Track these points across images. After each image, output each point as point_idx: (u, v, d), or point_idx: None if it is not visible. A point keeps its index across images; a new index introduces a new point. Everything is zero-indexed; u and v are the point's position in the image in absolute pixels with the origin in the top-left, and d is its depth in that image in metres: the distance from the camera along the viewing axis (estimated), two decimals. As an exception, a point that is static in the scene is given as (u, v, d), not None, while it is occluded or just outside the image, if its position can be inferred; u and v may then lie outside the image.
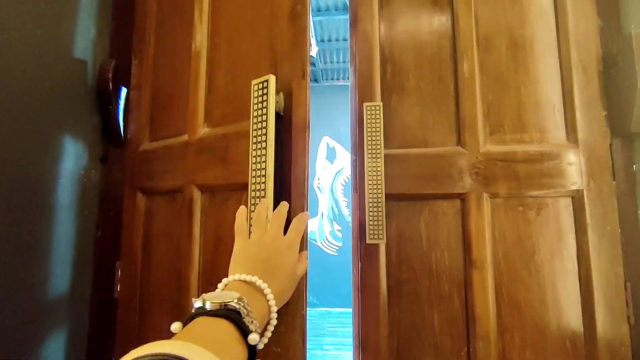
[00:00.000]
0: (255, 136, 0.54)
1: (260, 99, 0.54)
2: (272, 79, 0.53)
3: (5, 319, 0.62)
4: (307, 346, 0.51)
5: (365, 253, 0.81)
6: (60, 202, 0.74)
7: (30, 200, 0.68)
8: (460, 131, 0.79)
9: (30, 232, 0.68)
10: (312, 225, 4.11)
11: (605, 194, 0.72)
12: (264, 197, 0.52)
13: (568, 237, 0.73)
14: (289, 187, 0.54)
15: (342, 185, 4.19)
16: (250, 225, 0.50)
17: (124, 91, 0.88)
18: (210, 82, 0.72)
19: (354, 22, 0.88)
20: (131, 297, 0.81)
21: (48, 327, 0.71)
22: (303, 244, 0.51)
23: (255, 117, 0.54)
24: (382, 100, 0.83)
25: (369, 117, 0.81)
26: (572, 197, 0.73)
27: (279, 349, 0.49)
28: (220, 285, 0.40)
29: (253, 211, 0.51)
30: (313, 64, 3.86)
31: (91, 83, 0.84)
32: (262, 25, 0.62)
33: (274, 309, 0.38)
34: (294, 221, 0.51)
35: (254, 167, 0.54)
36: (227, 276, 0.42)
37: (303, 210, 0.53)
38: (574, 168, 0.73)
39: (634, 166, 0.71)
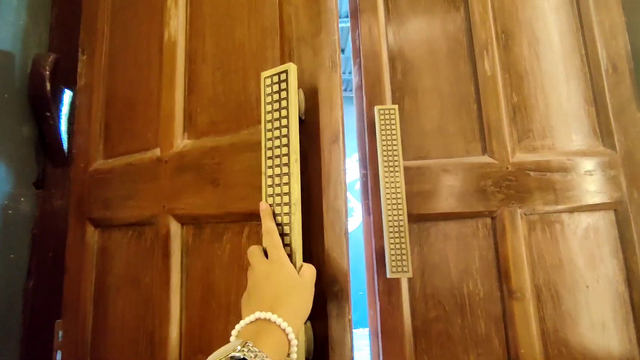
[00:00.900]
0: (270, 148, 0.38)
1: (274, 97, 0.39)
2: (292, 68, 0.38)
3: None
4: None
5: (384, 289, 0.67)
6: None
7: None
8: (486, 138, 0.69)
9: None
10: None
11: (651, 204, 0.65)
12: (286, 234, 0.37)
13: (614, 255, 0.64)
14: (320, 223, 0.39)
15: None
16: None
17: (67, 94, 0.69)
18: (190, 80, 0.55)
19: (355, 13, 0.76)
20: (79, 370, 0.59)
21: None
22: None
23: (269, 121, 0.39)
24: (393, 103, 0.72)
25: (382, 122, 0.69)
26: (615, 210, 0.66)
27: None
28: (233, 332, 0.37)
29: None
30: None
31: (20, 83, 0.63)
32: (265, 3, 0.47)
33: (289, 329, 0.36)
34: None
35: (269, 191, 0.38)
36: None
37: (343, 262, 0.39)
38: (613, 176, 0.66)
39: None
